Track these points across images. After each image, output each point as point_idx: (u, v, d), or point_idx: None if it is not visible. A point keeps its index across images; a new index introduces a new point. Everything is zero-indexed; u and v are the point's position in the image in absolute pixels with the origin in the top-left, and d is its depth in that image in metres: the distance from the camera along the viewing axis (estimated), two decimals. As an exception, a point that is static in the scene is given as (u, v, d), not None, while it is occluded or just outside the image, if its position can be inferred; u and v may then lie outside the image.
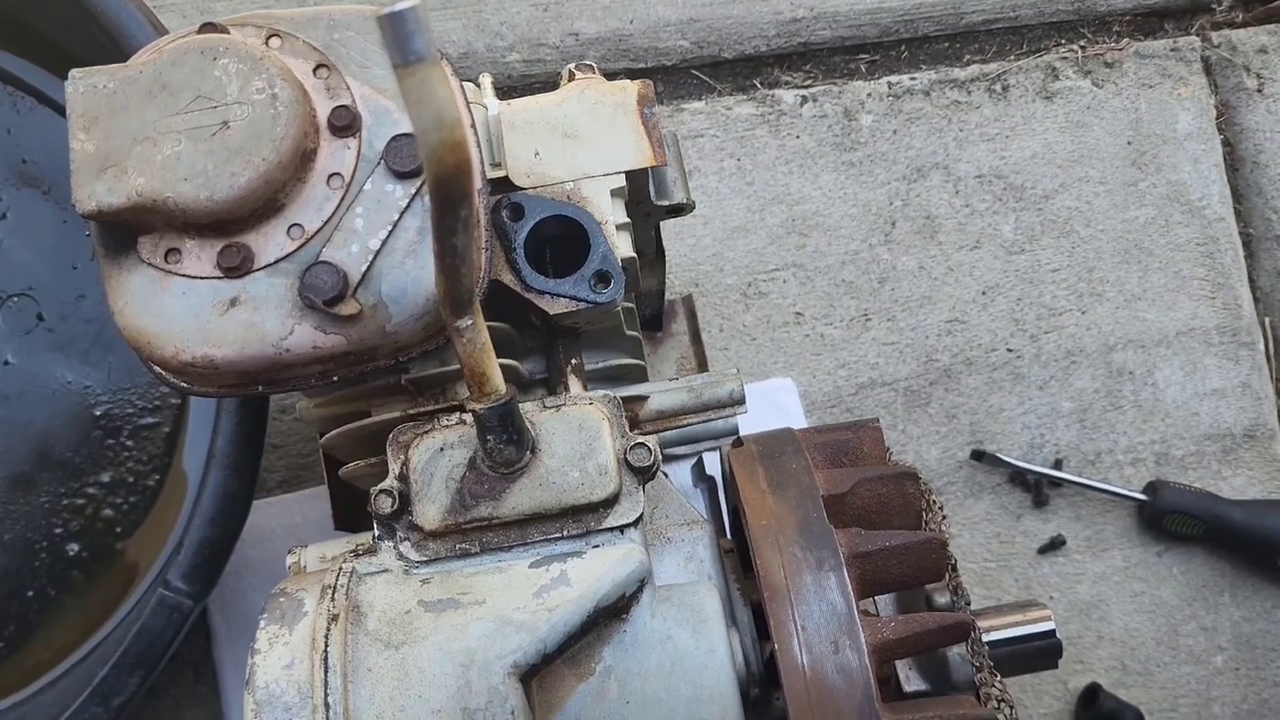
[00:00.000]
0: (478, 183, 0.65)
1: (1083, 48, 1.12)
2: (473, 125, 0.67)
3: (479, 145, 0.67)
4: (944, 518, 0.73)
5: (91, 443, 0.97)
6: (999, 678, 0.68)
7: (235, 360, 0.61)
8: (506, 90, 1.07)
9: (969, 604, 0.74)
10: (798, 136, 1.08)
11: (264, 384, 0.64)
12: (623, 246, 0.72)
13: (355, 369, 0.64)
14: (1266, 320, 1.10)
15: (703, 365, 1.04)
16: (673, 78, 1.09)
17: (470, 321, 0.58)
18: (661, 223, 0.87)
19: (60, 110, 0.98)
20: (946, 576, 0.71)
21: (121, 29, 0.83)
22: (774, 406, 1.03)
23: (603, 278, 0.71)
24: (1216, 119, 1.13)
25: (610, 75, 1.09)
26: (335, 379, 0.64)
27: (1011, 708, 0.68)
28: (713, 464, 0.90)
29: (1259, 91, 1.13)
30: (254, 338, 0.60)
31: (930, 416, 1.05)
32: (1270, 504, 1.02)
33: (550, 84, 1.05)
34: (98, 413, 0.97)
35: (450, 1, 1.07)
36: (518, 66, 1.07)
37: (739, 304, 1.05)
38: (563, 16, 1.07)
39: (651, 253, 0.93)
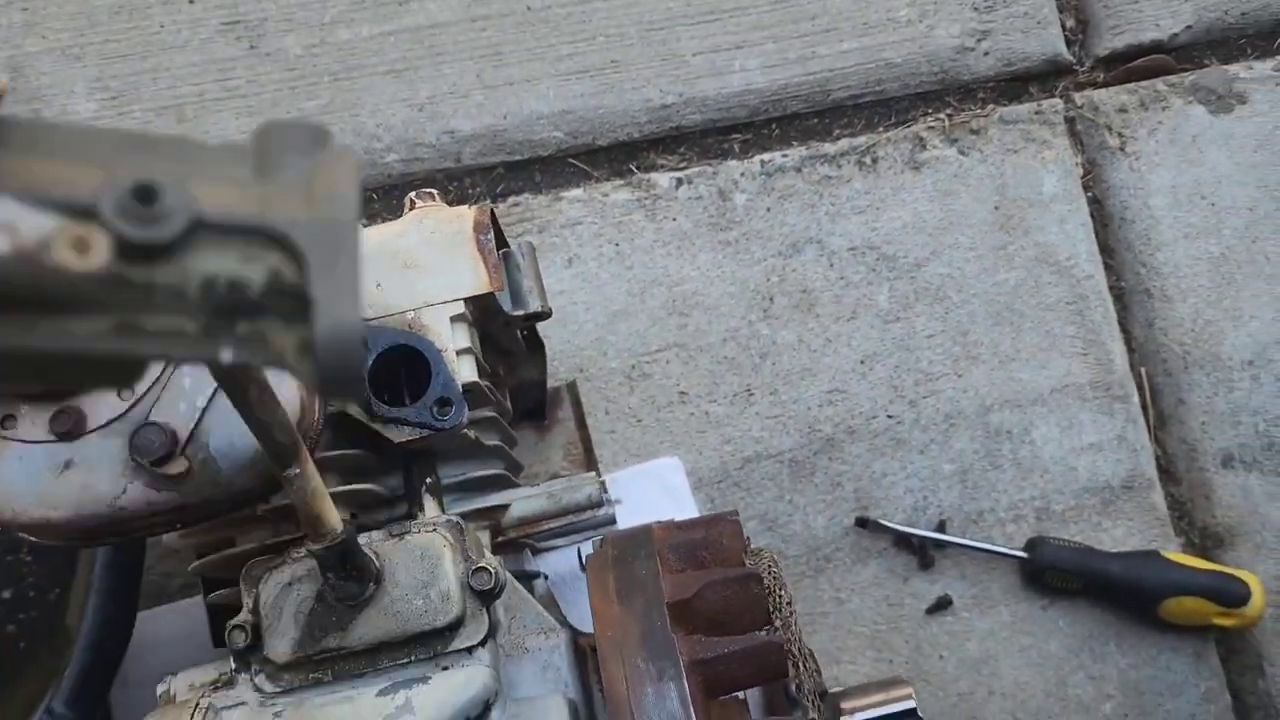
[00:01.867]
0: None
1: (949, 116, 1.16)
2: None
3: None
4: (792, 613, 0.76)
5: (-9, 562, 0.99)
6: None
7: (72, 520, 0.63)
8: (387, 190, 1.10)
9: (822, 694, 0.76)
10: (674, 219, 1.11)
11: (110, 536, 0.66)
12: (465, 371, 0.75)
13: (196, 518, 0.66)
14: (1142, 370, 1.14)
15: (589, 450, 1.06)
16: (550, 167, 1.12)
17: (297, 470, 0.61)
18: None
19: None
20: (791, 673, 0.74)
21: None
22: (661, 486, 1.05)
23: (444, 403, 0.73)
24: (1083, 177, 1.16)
25: (488, 169, 1.12)
26: (179, 527, 0.66)
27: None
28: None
29: (1121, 150, 1.16)
30: (89, 498, 0.63)
31: (816, 486, 1.08)
32: (1145, 555, 1.06)
33: (428, 181, 1.08)
34: (-5, 532, 0.99)
35: (328, 108, 1.09)
36: (396, 166, 1.10)
37: (623, 386, 1.08)
38: (438, 116, 1.10)
39: (522, 352, 0.96)
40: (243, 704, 0.68)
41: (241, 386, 0.51)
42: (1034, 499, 1.09)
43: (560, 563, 1.02)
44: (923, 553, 1.07)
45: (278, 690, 0.67)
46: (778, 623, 0.76)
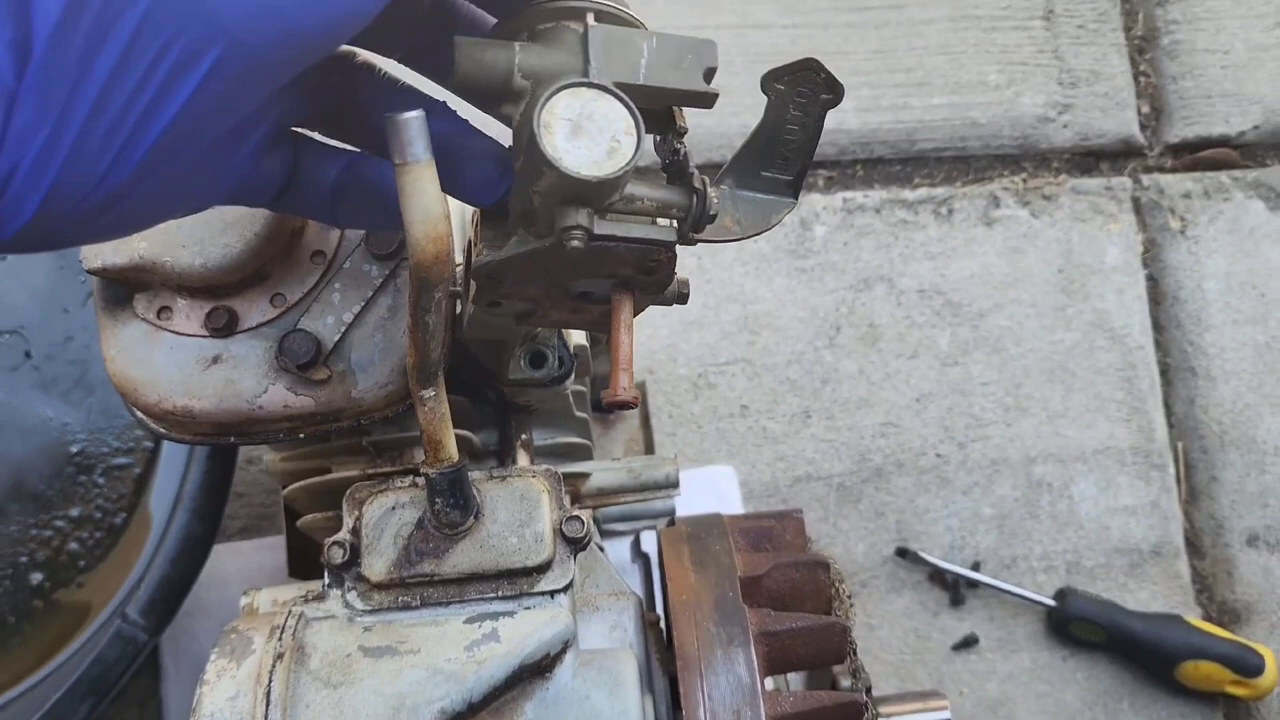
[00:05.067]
0: (455, 262, 0.72)
1: (1024, 180, 1.22)
2: (447, 215, 0.74)
3: (453, 234, 0.74)
4: (851, 605, 0.80)
5: (64, 478, 1.02)
6: (891, 758, 0.74)
7: (212, 413, 0.67)
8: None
9: (869, 687, 0.80)
10: (756, 241, 1.16)
11: (235, 435, 0.70)
12: (576, 335, 0.79)
13: (320, 427, 0.70)
14: (1179, 445, 1.18)
15: (650, 449, 1.10)
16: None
17: (434, 392, 0.65)
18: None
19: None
20: (848, 659, 0.77)
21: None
22: (713, 492, 1.09)
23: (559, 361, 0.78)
24: (1142, 254, 1.22)
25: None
26: (301, 435, 0.70)
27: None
28: (650, 544, 0.96)
29: (1182, 233, 1.22)
30: (231, 393, 0.67)
31: (860, 512, 1.12)
32: (1169, 618, 1.09)
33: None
34: (73, 450, 1.03)
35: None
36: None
37: (689, 393, 1.12)
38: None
39: (605, 341, 1.00)
40: (332, 617, 0.71)
41: (431, 286, 0.55)
42: (1066, 552, 1.13)
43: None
44: (955, 590, 1.11)
45: (367, 609, 0.71)
46: (839, 613, 0.79)
